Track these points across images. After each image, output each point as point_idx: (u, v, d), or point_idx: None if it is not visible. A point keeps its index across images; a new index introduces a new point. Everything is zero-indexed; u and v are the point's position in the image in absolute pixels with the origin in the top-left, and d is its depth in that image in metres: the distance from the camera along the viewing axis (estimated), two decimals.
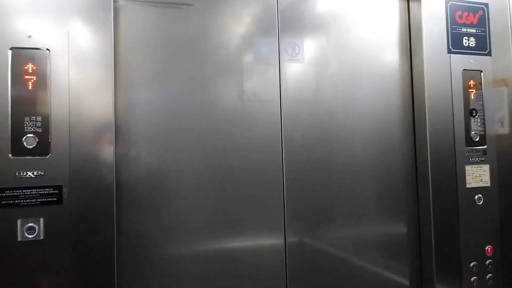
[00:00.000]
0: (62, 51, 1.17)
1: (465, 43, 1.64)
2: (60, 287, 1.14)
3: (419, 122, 1.62)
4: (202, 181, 1.38)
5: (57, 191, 1.15)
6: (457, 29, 1.63)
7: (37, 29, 1.15)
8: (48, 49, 1.16)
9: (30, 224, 1.11)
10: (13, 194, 1.11)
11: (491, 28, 1.68)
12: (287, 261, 1.46)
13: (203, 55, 1.40)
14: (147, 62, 1.34)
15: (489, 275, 1.61)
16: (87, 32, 1.20)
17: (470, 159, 1.61)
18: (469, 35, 1.65)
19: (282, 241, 1.46)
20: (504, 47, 1.70)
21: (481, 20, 1.67)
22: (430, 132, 1.56)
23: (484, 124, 1.64)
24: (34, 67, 1.15)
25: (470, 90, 1.63)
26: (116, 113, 1.25)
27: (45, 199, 1.13)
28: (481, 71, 1.65)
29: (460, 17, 1.64)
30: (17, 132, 1.12)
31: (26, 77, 1.14)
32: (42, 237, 1.13)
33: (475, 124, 1.62)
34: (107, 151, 1.21)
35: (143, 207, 1.31)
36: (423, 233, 1.61)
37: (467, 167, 1.61)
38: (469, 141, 1.61)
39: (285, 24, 1.50)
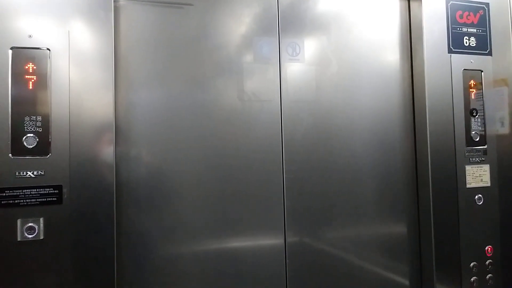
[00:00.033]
0: (63, 50, 1.17)
1: (466, 43, 1.64)
2: (60, 287, 1.14)
3: (419, 122, 1.62)
4: (203, 181, 1.38)
5: (57, 191, 1.15)
6: (458, 28, 1.63)
7: (37, 28, 1.15)
8: (48, 49, 1.16)
9: (30, 224, 1.11)
10: (13, 194, 1.11)
11: (491, 28, 1.68)
12: (287, 261, 1.46)
13: (203, 55, 1.40)
14: (147, 62, 1.34)
15: (489, 275, 1.61)
16: (88, 31, 1.20)
17: (471, 159, 1.61)
18: (469, 34, 1.65)
19: (282, 241, 1.46)
20: (505, 47, 1.70)
21: (482, 20, 1.67)
22: (430, 132, 1.56)
23: (484, 124, 1.63)
24: (35, 67, 1.14)
25: (470, 90, 1.63)
26: (116, 113, 1.25)
27: (45, 199, 1.13)
28: (482, 71, 1.65)
29: (461, 16, 1.64)
30: (17, 132, 1.12)
31: (26, 76, 1.14)
32: (42, 237, 1.13)
33: (475, 124, 1.62)
34: (107, 151, 1.21)
35: (143, 207, 1.31)
36: (423, 233, 1.61)
37: (467, 167, 1.60)
38: (470, 141, 1.61)
39: (285, 23, 1.49)
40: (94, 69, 1.20)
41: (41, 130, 1.14)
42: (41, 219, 1.13)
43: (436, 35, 1.60)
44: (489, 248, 1.62)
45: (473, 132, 1.62)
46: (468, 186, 1.60)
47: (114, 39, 1.24)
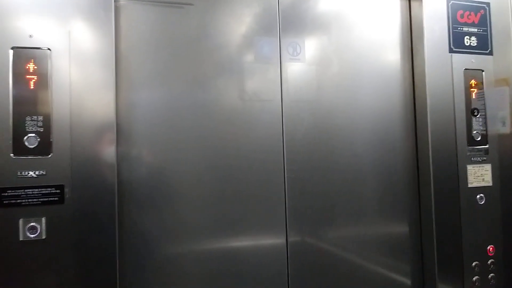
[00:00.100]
0: (63, 50, 1.17)
1: (467, 42, 1.64)
2: (62, 287, 1.14)
3: (420, 122, 1.62)
4: (204, 181, 1.38)
5: (59, 191, 1.15)
6: (459, 28, 1.63)
7: (38, 28, 1.15)
8: (49, 49, 1.16)
9: (32, 224, 1.11)
10: (15, 193, 1.11)
11: (492, 28, 1.68)
12: (288, 260, 1.46)
13: (204, 55, 1.40)
14: (148, 62, 1.34)
15: (491, 274, 1.61)
16: (88, 31, 1.20)
17: (472, 158, 1.61)
18: (470, 34, 1.65)
19: (284, 240, 1.46)
20: (506, 47, 1.70)
21: (483, 20, 1.67)
22: (431, 132, 1.56)
23: (485, 123, 1.63)
24: (35, 67, 1.15)
25: (471, 89, 1.63)
26: (117, 113, 1.25)
27: (47, 199, 1.13)
28: (483, 71, 1.65)
29: (462, 16, 1.64)
30: (19, 132, 1.12)
31: (27, 76, 1.14)
32: (44, 237, 1.13)
33: (476, 123, 1.62)
34: (109, 151, 1.21)
35: (145, 207, 1.31)
36: (425, 233, 1.61)
37: (469, 167, 1.60)
38: (471, 141, 1.61)
39: (286, 23, 1.50)
40: (95, 69, 1.20)
41: (42, 130, 1.14)
42: (43, 219, 1.13)
43: (437, 34, 1.60)
44: (491, 248, 1.61)
45: (475, 132, 1.61)
46: (469, 185, 1.60)
47: (115, 39, 1.24)
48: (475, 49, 1.65)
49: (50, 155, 1.14)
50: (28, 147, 1.13)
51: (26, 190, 1.12)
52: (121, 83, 1.29)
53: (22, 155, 1.12)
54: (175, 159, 1.35)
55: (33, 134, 1.13)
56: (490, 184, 1.63)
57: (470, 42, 1.65)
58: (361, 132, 1.58)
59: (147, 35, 1.34)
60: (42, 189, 1.13)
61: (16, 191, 1.11)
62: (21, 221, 1.11)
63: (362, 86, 1.59)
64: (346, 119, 1.56)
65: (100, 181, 1.19)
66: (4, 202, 1.10)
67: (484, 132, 1.63)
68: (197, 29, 1.39)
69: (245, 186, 1.42)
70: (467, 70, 1.62)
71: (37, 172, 1.13)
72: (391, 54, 1.65)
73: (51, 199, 1.14)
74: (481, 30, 1.67)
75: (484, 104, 1.64)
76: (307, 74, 1.52)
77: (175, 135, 1.36)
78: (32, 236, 1.11)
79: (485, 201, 1.61)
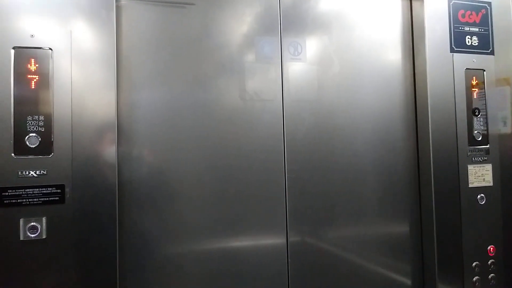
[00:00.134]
0: (65, 50, 1.17)
1: (468, 42, 1.64)
2: (62, 286, 1.14)
3: (421, 121, 1.62)
4: (204, 181, 1.38)
5: (60, 191, 1.15)
6: (460, 28, 1.63)
7: (39, 28, 1.15)
8: (50, 48, 1.16)
9: (32, 223, 1.12)
10: (15, 193, 1.11)
11: (494, 27, 1.68)
12: (289, 260, 1.46)
13: (205, 54, 1.40)
14: (149, 62, 1.34)
15: (492, 275, 1.61)
16: (90, 31, 1.20)
17: (473, 158, 1.61)
18: (471, 34, 1.65)
19: (284, 240, 1.46)
20: (507, 46, 1.70)
21: (484, 19, 1.67)
22: (432, 132, 1.56)
23: (486, 123, 1.63)
24: (37, 67, 1.15)
25: (472, 89, 1.63)
26: (118, 113, 1.25)
27: (48, 198, 1.14)
28: (484, 70, 1.65)
29: (463, 16, 1.63)
30: (20, 131, 1.12)
31: (28, 76, 1.14)
32: (44, 236, 1.13)
33: (477, 123, 1.62)
34: (110, 151, 1.21)
35: (145, 207, 1.31)
36: (425, 233, 1.61)
37: (470, 167, 1.60)
38: (472, 141, 1.61)
39: (287, 23, 1.49)
40: (96, 68, 1.20)
41: (43, 130, 1.14)
42: (44, 219, 1.13)
43: (438, 34, 1.59)
44: (491, 248, 1.61)
45: (476, 132, 1.61)
46: (470, 185, 1.60)
47: (116, 38, 1.24)
48: (477, 49, 1.65)
49: (51, 155, 1.15)
50: (29, 147, 1.13)
51: (26, 190, 1.12)
52: (122, 83, 1.29)
53: (23, 155, 1.12)
54: (175, 159, 1.35)
55: (34, 134, 1.13)
56: (491, 184, 1.63)
57: (472, 42, 1.64)
58: (362, 132, 1.58)
59: (148, 34, 1.34)
60: (43, 189, 1.13)
61: (17, 190, 1.11)
62: (21, 221, 1.11)
63: (363, 86, 1.59)
64: (347, 119, 1.56)
65: (101, 181, 1.19)
66: (5, 201, 1.10)
67: (485, 132, 1.63)
68: (198, 28, 1.39)
69: (246, 186, 1.42)
70: (468, 70, 1.62)
71: (38, 172, 1.13)
72: (392, 53, 1.64)
73: (52, 198, 1.14)
74: (482, 30, 1.66)
75: (485, 104, 1.64)
76: (308, 73, 1.52)
77: (176, 135, 1.36)
78: (32, 235, 1.11)
79: (485, 201, 1.61)
